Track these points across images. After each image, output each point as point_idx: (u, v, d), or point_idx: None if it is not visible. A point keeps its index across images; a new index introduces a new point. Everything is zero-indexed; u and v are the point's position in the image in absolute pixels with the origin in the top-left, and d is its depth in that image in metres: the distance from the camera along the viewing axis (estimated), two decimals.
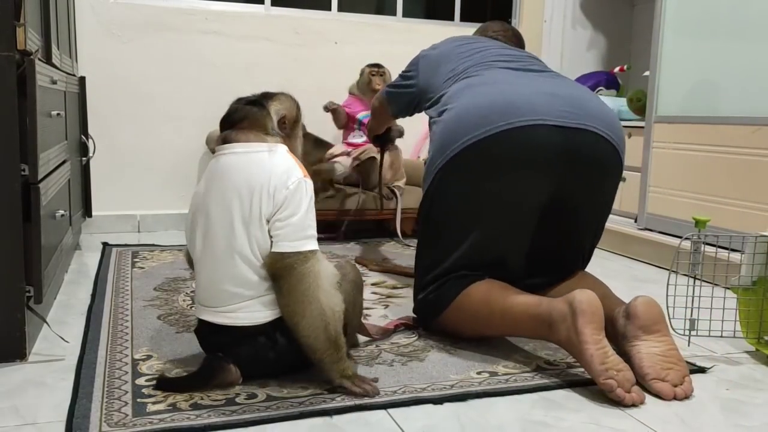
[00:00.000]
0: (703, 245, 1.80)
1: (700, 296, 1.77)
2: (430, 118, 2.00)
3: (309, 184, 1.45)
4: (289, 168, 1.43)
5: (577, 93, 1.88)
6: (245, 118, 1.46)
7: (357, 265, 1.65)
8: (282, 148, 1.47)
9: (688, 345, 1.85)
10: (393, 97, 2.30)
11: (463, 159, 1.76)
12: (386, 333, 1.82)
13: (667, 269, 2.77)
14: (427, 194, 1.87)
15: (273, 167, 1.42)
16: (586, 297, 1.50)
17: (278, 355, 1.45)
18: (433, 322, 1.84)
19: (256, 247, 1.41)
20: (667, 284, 1.78)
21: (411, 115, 2.32)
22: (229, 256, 1.42)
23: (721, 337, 1.87)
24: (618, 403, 1.44)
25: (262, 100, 1.50)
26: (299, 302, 1.38)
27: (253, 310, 1.43)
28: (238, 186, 1.41)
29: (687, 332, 1.82)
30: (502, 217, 1.76)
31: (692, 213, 2.48)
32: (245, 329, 1.44)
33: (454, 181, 1.79)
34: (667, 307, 1.79)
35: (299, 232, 1.40)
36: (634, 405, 1.44)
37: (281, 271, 1.39)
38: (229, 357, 1.45)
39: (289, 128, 1.53)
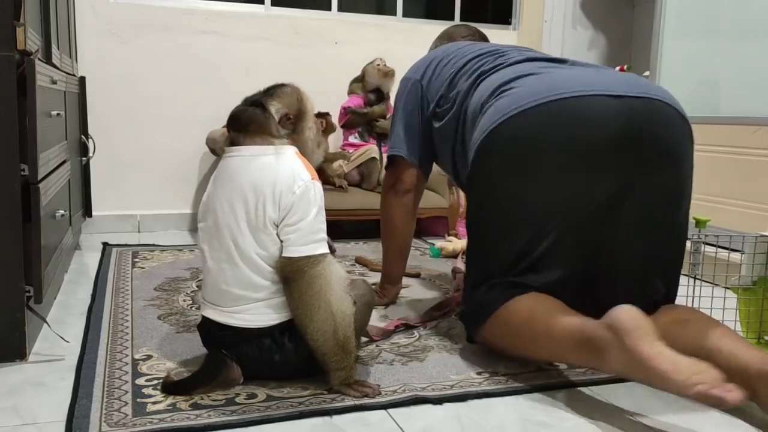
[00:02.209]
0: (703, 245, 1.80)
1: (700, 296, 1.77)
2: (441, 128, 1.85)
3: (317, 187, 1.44)
4: (295, 171, 1.41)
5: (622, 74, 1.67)
6: (250, 121, 1.45)
7: (371, 285, 1.64)
8: (290, 150, 1.45)
9: None
10: (408, 147, 1.96)
11: (506, 136, 1.54)
12: (386, 334, 1.82)
13: None
14: (470, 190, 1.68)
15: (279, 171, 1.41)
16: (624, 314, 1.29)
17: (284, 358, 1.45)
18: (476, 333, 1.65)
19: (262, 251, 1.41)
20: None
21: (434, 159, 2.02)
22: (235, 259, 1.42)
23: None
24: (719, 404, 1.22)
25: (263, 101, 1.48)
26: (309, 305, 1.38)
27: (258, 312, 1.43)
28: (245, 189, 1.41)
29: None
30: (557, 212, 1.52)
31: (692, 213, 2.48)
32: (251, 330, 1.44)
33: (497, 166, 1.56)
34: None
35: (309, 236, 1.40)
36: (735, 402, 1.19)
37: (292, 275, 1.39)
38: (233, 355, 1.45)
39: (295, 123, 1.49)
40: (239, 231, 1.41)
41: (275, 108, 1.46)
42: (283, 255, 1.40)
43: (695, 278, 1.80)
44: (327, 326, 1.39)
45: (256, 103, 1.47)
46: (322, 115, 3.28)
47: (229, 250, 1.42)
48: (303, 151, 1.49)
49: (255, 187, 1.40)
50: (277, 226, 1.40)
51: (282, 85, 1.51)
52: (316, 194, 1.43)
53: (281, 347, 1.44)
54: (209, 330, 1.50)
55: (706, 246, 1.82)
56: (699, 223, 1.81)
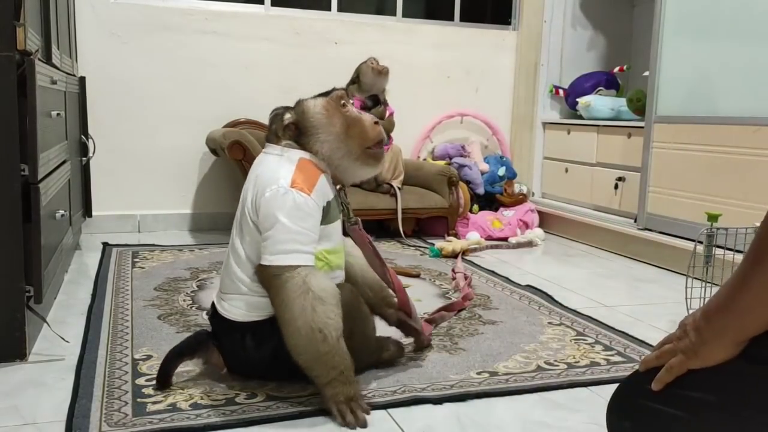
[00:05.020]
0: (715, 240, 1.85)
1: (713, 284, 1.82)
2: None
3: (295, 195, 1.37)
4: (278, 176, 1.39)
5: None
6: (270, 122, 1.50)
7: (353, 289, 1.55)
8: (294, 155, 1.44)
9: None
10: None
11: None
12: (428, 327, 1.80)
13: (667, 269, 2.77)
14: None
15: (267, 171, 1.42)
16: None
17: (247, 356, 1.46)
18: None
19: (247, 246, 1.43)
20: (686, 287, 1.80)
21: None
22: (230, 247, 1.47)
23: None
24: None
25: (290, 106, 1.51)
26: (283, 315, 1.35)
27: (236, 305, 1.45)
28: (247, 183, 1.46)
29: None
30: None
31: (692, 213, 2.48)
32: (227, 321, 1.46)
33: None
34: (688, 309, 1.86)
35: (279, 245, 1.35)
36: None
37: (267, 282, 1.38)
38: (218, 342, 1.48)
39: (297, 133, 1.48)
40: (236, 221, 1.47)
41: (288, 115, 1.48)
42: (259, 262, 1.40)
43: (708, 268, 1.85)
44: (304, 340, 1.33)
45: (287, 107, 1.51)
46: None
47: (231, 237, 1.48)
48: (329, 165, 1.48)
49: (248, 181, 1.45)
50: (259, 229, 1.40)
51: (314, 96, 1.53)
52: (294, 202, 1.36)
53: (243, 345, 1.45)
54: (211, 314, 1.54)
55: (717, 248, 1.86)
56: (711, 218, 1.85)
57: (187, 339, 1.52)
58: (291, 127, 1.48)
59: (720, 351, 0.98)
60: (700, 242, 1.86)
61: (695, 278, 1.92)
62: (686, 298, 1.92)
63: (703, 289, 1.87)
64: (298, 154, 1.45)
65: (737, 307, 0.92)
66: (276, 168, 1.42)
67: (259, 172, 1.44)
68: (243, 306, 1.44)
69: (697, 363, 0.99)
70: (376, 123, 1.51)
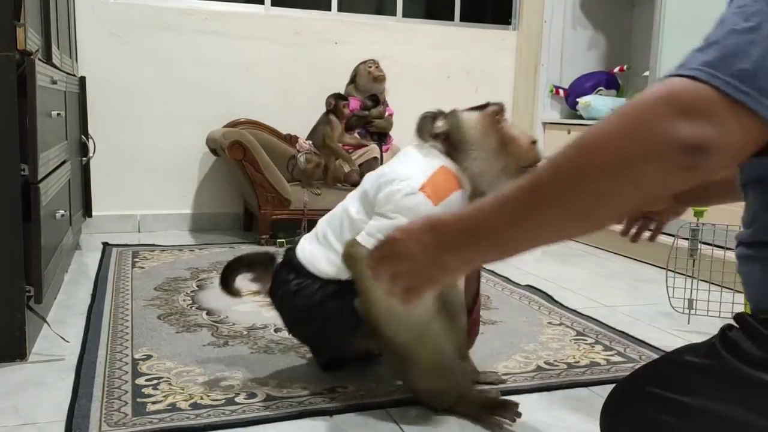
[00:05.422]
0: (700, 233, 1.90)
1: (698, 279, 1.84)
2: None
3: (420, 199, 1.33)
4: (412, 173, 1.36)
5: None
6: (418, 123, 1.48)
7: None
8: (436, 161, 1.39)
9: (688, 323, 1.93)
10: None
11: None
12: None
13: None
14: None
15: (406, 165, 1.40)
16: None
17: (283, 297, 1.45)
18: None
19: (351, 216, 1.41)
20: (666, 277, 1.82)
21: None
22: (342, 207, 1.45)
23: (719, 317, 1.90)
24: None
25: (444, 113, 1.48)
26: (362, 296, 1.32)
27: (311, 252, 1.44)
28: (385, 166, 1.46)
29: (686, 311, 1.92)
30: None
31: (691, 212, 2.49)
32: (297, 259, 1.45)
33: None
34: (667, 287, 1.93)
35: (379, 235, 1.29)
36: None
37: (345, 259, 1.35)
38: (275, 273, 1.49)
39: (452, 147, 1.43)
40: (360, 188, 1.45)
41: (440, 123, 1.45)
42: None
43: (693, 259, 1.90)
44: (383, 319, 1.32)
45: (440, 113, 1.49)
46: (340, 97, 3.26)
47: (348, 197, 1.48)
48: (477, 182, 1.41)
49: (387, 165, 1.45)
50: (373, 208, 1.39)
51: (468, 109, 1.47)
52: (417, 206, 1.32)
53: (289, 287, 1.43)
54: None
55: (704, 245, 1.91)
56: (697, 213, 1.91)
57: (252, 253, 1.57)
58: (441, 137, 1.44)
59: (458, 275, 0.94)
60: (684, 237, 1.93)
61: (677, 272, 1.98)
62: (667, 287, 1.98)
63: (686, 280, 1.93)
64: (442, 161, 1.40)
65: (501, 244, 0.80)
66: (414, 165, 1.39)
67: (397, 166, 1.41)
68: (317, 257, 1.43)
69: (431, 288, 0.90)
70: (533, 143, 1.43)
